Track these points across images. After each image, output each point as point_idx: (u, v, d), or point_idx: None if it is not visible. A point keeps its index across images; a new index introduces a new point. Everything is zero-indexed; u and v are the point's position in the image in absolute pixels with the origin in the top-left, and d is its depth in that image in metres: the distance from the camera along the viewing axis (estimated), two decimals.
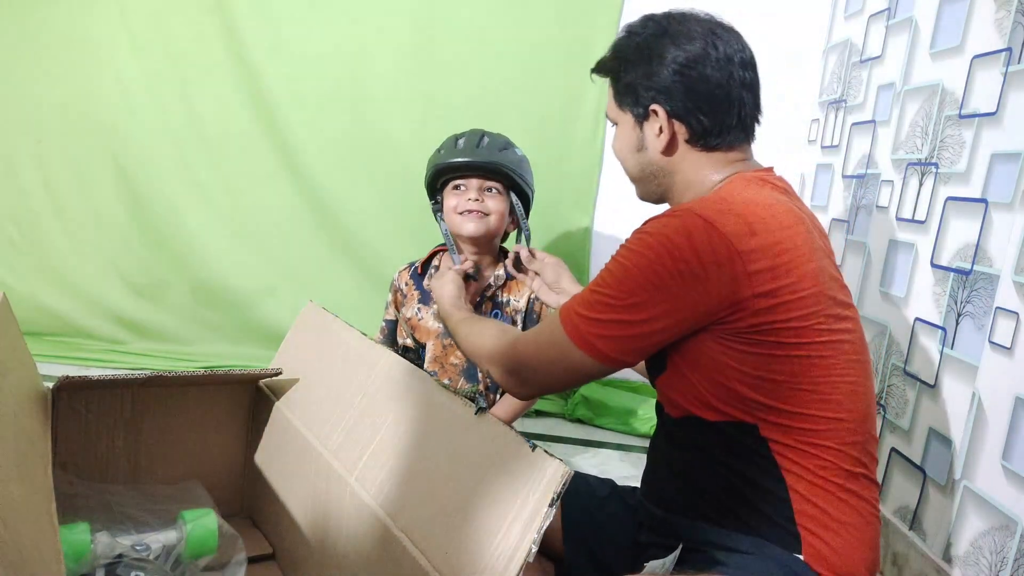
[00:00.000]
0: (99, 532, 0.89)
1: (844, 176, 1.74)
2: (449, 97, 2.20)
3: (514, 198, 1.58)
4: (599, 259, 2.29)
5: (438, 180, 1.59)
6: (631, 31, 0.98)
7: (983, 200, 1.17)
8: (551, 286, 1.32)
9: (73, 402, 1.04)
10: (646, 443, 2.02)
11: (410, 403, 0.94)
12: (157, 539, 0.95)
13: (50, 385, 0.98)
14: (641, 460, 1.92)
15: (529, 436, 0.77)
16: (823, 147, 1.89)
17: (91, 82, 2.25)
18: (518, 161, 1.57)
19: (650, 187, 1.02)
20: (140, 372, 1.07)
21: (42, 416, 0.92)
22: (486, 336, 1.00)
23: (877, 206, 1.53)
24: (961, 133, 1.25)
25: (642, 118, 0.95)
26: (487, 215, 1.56)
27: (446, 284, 1.27)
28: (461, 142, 1.55)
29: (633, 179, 1.03)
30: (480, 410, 0.84)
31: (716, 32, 0.92)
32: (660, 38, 0.93)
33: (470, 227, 1.55)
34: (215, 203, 2.32)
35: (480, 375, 1.61)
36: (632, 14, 2.25)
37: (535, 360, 0.90)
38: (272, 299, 2.34)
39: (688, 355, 0.84)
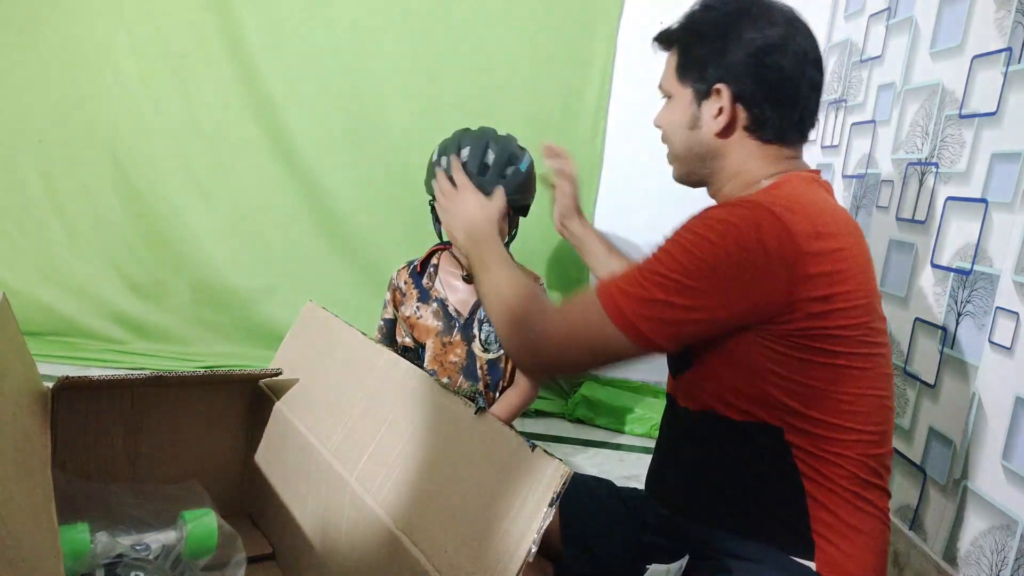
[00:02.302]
0: (99, 532, 0.89)
1: (844, 176, 1.74)
2: (449, 97, 2.20)
3: (511, 212, 1.58)
4: None
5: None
6: (708, 5, 0.91)
7: (983, 200, 1.17)
8: (559, 218, 1.24)
9: (73, 402, 1.04)
10: (646, 443, 2.03)
11: (410, 403, 0.94)
12: (157, 539, 0.95)
13: (50, 385, 0.98)
14: (641, 460, 1.92)
15: (529, 436, 0.77)
16: (823, 147, 1.89)
17: (91, 82, 2.25)
18: (521, 183, 1.55)
19: (692, 168, 0.95)
20: (140, 372, 1.07)
21: (42, 416, 0.92)
22: (506, 294, 0.91)
23: (877, 206, 1.53)
24: (961, 133, 1.25)
25: (703, 96, 0.90)
26: None
27: (474, 207, 1.06)
28: (465, 155, 1.53)
29: (676, 157, 0.96)
30: (479, 410, 0.84)
31: (796, 24, 0.88)
32: (740, 16, 0.88)
33: None
34: (215, 203, 2.32)
35: (480, 373, 1.61)
36: (632, 14, 2.25)
37: (560, 335, 0.84)
38: (272, 299, 2.34)
39: (724, 352, 0.82)
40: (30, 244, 2.34)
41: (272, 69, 2.23)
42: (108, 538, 0.89)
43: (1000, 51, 1.17)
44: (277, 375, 1.17)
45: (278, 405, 1.15)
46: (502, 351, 1.62)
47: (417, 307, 1.65)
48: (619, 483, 1.09)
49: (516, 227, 1.66)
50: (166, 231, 2.33)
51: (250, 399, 1.21)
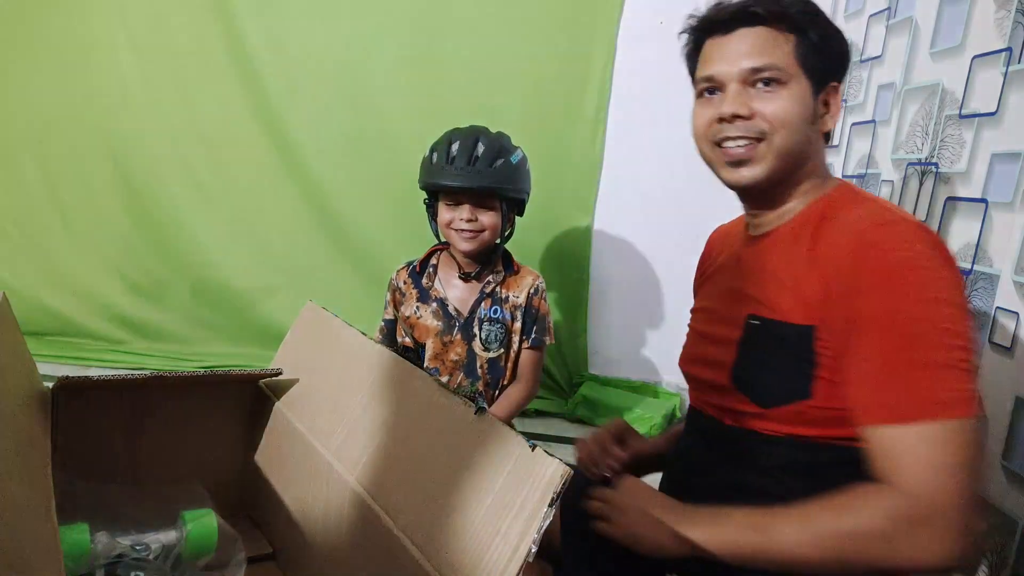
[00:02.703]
0: (99, 532, 0.89)
1: (844, 176, 1.74)
2: (449, 97, 2.20)
3: (504, 208, 1.58)
4: (599, 259, 2.29)
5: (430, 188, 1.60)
6: None
7: (983, 200, 1.17)
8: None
9: (73, 402, 1.04)
10: None
11: (410, 403, 0.94)
12: (157, 539, 0.95)
13: (50, 385, 0.98)
14: None
15: (529, 436, 0.77)
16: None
17: (91, 82, 2.25)
18: (512, 174, 1.55)
19: (790, 166, 0.86)
20: (140, 372, 1.07)
21: (42, 416, 0.92)
22: (849, 514, 0.68)
23: None
24: (961, 133, 1.25)
25: (817, 89, 0.86)
26: (481, 231, 1.55)
27: (639, 501, 0.82)
28: (455, 149, 1.53)
29: (781, 153, 0.85)
30: (480, 410, 0.84)
31: None
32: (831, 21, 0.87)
33: (464, 246, 1.56)
34: (215, 203, 2.32)
35: (480, 371, 1.61)
36: (632, 14, 2.25)
37: (946, 490, 0.65)
38: (272, 299, 2.34)
39: None
40: (30, 244, 2.34)
41: (272, 70, 2.23)
42: (108, 538, 0.89)
43: (1000, 51, 1.17)
44: (277, 375, 1.17)
45: (278, 405, 1.15)
46: (502, 349, 1.62)
47: (417, 307, 1.65)
48: None
49: (512, 225, 1.66)
50: (166, 231, 2.33)
51: (250, 399, 1.21)
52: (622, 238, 2.29)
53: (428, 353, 1.63)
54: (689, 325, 1.06)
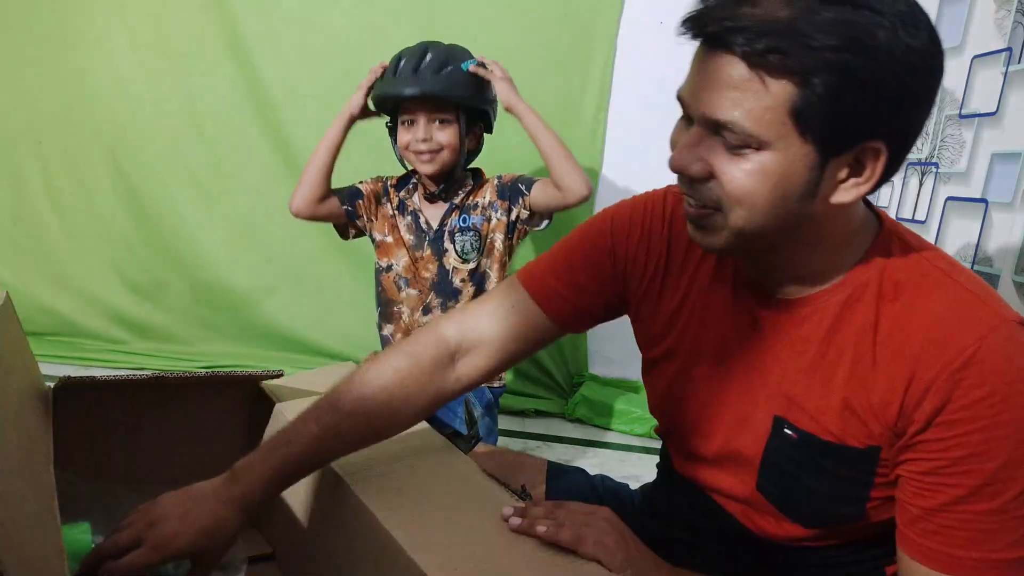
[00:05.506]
0: (100, 532, 0.89)
1: None
2: None
3: (463, 123, 1.53)
4: None
5: (386, 106, 1.59)
6: (874, 7, 0.53)
7: (983, 200, 1.17)
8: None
9: (74, 402, 1.04)
10: (647, 443, 2.03)
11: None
12: None
13: (51, 385, 0.98)
14: (642, 460, 1.92)
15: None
16: None
17: (91, 82, 2.25)
18: (463, 79, 1.50)
19: (756, 242, 0.63)
20: (141, 372, 1.07)
21: (44, 416, 0.92)
22: None
23: (877, 206, 1.53)
24: (961, 133, 1.25)
25: (833, 154, 0.57)
26: (439, 151, 1.52)
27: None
28: (403, 63, 1.51)
29: (745, 233, 0.61)
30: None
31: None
32: (919, 36, 0.57)
33: (424, 168, 1.55)
34: (215, 203, 2.32)
35: (461, 284, 1.61)
36: (632, 14, 2.25)
37: None
38: (272, 299, 2.34)
39: None
40: (30, 244, 2.34)
41: (272, 69, 2.23)
42: None
43: (1000, 51, 1.17)
44: (278, 376, 1.17)
45: (279, 407, 1.15)
46: (482, 256, 1.61)
47: (394, 214, 1.67)
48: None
49: (479, 141, 1.63)
50: (166, 231, 2.33)
51: (251, 400, 1.21)
52: None
53: (400, 267, 1.65)
54: (649, 359, 0.86)
